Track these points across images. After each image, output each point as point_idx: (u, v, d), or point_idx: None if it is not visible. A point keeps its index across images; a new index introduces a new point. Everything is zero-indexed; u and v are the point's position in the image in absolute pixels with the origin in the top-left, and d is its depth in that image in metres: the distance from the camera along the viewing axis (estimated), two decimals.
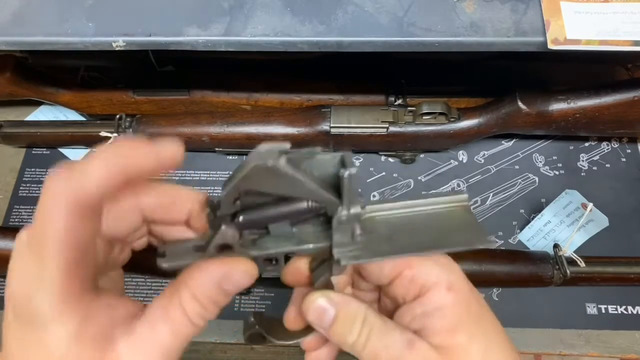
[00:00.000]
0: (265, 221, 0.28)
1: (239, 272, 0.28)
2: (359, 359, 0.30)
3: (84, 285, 0.24)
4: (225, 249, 0.28)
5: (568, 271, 0.58)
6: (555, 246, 0.60)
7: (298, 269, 0.32)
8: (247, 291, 0.64)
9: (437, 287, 0.29)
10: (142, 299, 0.67)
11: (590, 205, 0.60)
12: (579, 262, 0.59)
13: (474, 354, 0.28)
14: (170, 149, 0.24)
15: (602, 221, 0.64)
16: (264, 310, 0.66)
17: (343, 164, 0.27)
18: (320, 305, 0.30)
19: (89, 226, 0.23)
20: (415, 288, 0.30)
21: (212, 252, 0.27)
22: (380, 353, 0.29)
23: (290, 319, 0.35)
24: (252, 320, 0.34)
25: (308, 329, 0.34)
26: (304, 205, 0.27)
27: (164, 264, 0.28)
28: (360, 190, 0.57)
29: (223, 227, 0.27)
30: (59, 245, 0.22)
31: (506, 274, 0.60)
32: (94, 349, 0.24)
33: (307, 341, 0.35)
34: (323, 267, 0.31)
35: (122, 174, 0.23)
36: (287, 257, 0.32)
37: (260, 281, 0.61)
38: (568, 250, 0.60)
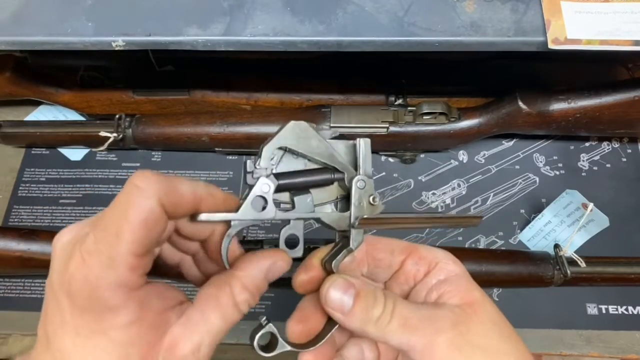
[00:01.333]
0: (294, 185, 0.32)
1: (282, 261, 0.32)
2: (380, 337, 0.30)
3: (143, 274, 0.26)
4: (259, 203, 0.30)
5: (568, 271, 0.58)
6: (556, 246, 0.60)
7: (310, 266, 0.35)
8: None
9: (445, 260, 0.33)
10: None
11: (591, 205, 0.60)
12: (579, 262, 0.58)
13: (489, 307, 0.31)
14: (227, 200, 0.29)
15: (602, 221, 0.63)
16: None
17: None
18: (341, 284, 0.31)
19: (164, 226, 0.26)
20: (424, 264, 0.33)
21: (247, 207, 0.30)
22: (410, 316, 0.30)
23: (294, 329, 0.37)
24: (265, 320, 0.37)
25: (313, 340, 0.36)
26: (328, 175, 0.32)
27: (201, 216, 0.29)
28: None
29: (260, 179, 0.30)
30: (135, 237, 0.24)
31: (506, 274, 0.60)
32: (152, 332, 0.26)
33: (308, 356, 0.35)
34: (336, 258, 0.33)
35: (202, 200, 0.28)
36: (305, 253, 0.36)
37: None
38: (568, 251, 0.59)
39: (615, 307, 0.64)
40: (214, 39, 0.50)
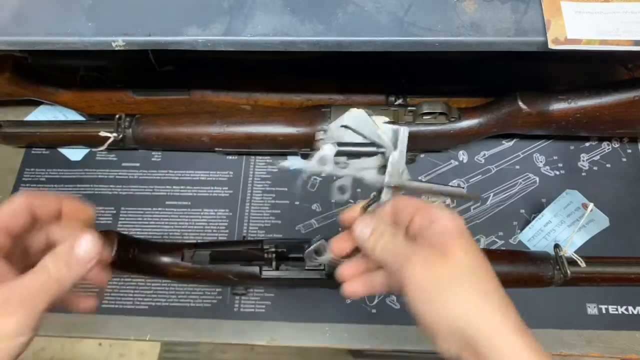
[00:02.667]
0: (349, 152, 0.44)
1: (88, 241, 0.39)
2: (381, 260, 0.40)
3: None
4: (324, 160, 0.42)
5: (569, 271, 0.58)
6: (556, 246, 0.60)
7: (354, 209, 0.44)
8: (245, 291, 0.64)
9: (443, 217, 0.39)
10: (141, 299, 0.67)
11: (591, 206, 0.60)
12: (579, 262, 0.58)
13: (464, 260, 0.37)
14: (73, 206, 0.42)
15: (602, 221, 0.63)
16: (263, 310, 0.66)
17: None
18: (364, 220, 0.42)
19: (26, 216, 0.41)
20: (427, 219, 0.40)
21: (314, 161, 0.42)
22: (398, 247, 0.40)
23: (339, 244, 0.45)
24: (319, 236, 0.49)
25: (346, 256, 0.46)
26: (373, 149, 0.45)
27: (285, 163, 0.43)
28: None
29: (326, 145, 0.42)
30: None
31: (506, 274, 0.60)
32: None
33: (344, 269, 0.45)
34: (370, 206, 0.44)
35: (63, 200, 0.42)
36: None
37: (260, 282, 0.62)
38: (568, 251, 0.60)
39: (615, 307, 0.64)
40: (214, 39, 0.50)
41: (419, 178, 0.74)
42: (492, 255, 0.62)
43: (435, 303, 0.36)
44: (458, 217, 0.40)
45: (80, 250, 0.39)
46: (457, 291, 0.36)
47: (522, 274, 0.60)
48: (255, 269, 0.61)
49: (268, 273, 0.61)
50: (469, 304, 0.35)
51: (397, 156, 0.44)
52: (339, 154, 0.44)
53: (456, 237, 0.38)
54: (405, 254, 0.38)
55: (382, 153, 0.45)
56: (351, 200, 0.54)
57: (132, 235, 0.68)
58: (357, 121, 0.44)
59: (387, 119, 0.46)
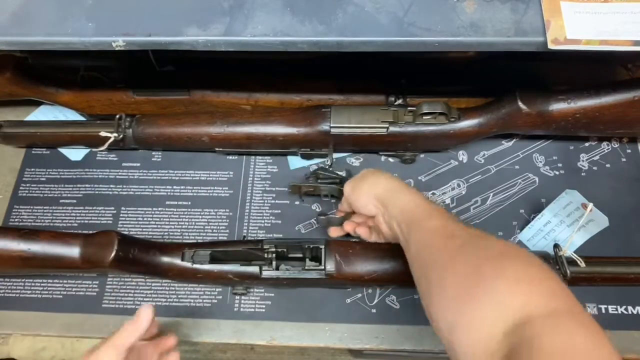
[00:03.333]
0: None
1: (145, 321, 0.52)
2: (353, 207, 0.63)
3: None
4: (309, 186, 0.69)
5: (568, 271, 0.58)
6: (556, 246, 0.60)
7: (337, 230, 0.67)
8: (245, 291, 0.64)
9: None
10: (141, 299, 0.67)
11: (591, 205, 0.60)
12: (579, 262, 0.59)
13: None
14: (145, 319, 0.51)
15: (602, 221, 0.64)
16: (263, 310, 0.66)
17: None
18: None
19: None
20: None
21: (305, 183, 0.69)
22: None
23: (339, 211, 0.68)
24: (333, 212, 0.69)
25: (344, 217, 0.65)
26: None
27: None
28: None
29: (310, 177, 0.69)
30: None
31: None
32: None
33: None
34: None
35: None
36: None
37: (260, 281, 0.62)
38: (568, 250, 0.60)
39: (615, 307, 0.64)
40: (214, 39, 0.50)
41: (419, 178, 0.74)
42: None
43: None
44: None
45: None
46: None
47: None
48: (256, 269, 0.61)
49: (268, 273, 0.61)
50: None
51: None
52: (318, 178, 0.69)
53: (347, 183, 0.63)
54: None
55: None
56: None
57: (132, 235, 0.68)
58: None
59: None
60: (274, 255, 0.60)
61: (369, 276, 0.60)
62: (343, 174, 0.68)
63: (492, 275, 0.39)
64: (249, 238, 0.71)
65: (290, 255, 0.62)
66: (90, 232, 0.67)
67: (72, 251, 0.60)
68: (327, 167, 0.71)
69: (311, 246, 0.61)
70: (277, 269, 0.61)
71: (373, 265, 0.60)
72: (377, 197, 0.58)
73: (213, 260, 0.61)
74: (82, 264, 0.60)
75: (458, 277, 0.41)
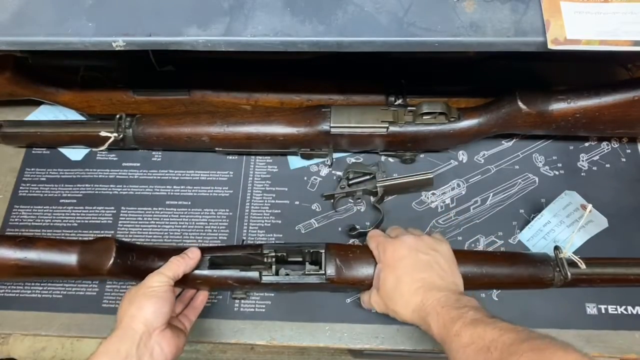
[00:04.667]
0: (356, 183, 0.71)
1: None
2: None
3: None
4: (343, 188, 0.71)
5: (569, 273, 0.58)
6: (556, 248, 0.60)
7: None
8: (245, 295, 0.64)
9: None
10: None
11: (590, 207, 0.60)
12: (579, 264, 0.58)
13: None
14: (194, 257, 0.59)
15: (601, 222, 0.64)
16: (263, 310, 0.66)
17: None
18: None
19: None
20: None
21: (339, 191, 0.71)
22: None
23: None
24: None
25: None
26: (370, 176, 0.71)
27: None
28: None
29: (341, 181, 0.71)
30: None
31: (507, 277, 0.60)
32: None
33: None
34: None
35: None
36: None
37: (260, 286, 0.61)
38: (568, 252, 0.59)
39: (615, 307, 0.64)
40: (214, 39, 0.50)
41: None
42: (493, 257, 0.62)
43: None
44: (386, 252, 0.58)
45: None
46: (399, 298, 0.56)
47: (523, 275, 0.60)
48: (255, 274, 0.60)
49: (268, 278, 0.60)
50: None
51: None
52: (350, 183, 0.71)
53: (382, 271, 0.58)
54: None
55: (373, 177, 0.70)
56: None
57: (130, 240, 0.68)
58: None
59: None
60: (273, 259, 0.60)
61: (369, 280, 0.59)
62: (374, 168, 0.71)
63: None
64: (249, 240, 0.71)
65: (290, 259, 0.61)
66: (88, 238, 0.68)
67: (70, 259, 0.59)
68: (358, 163, 0.74)
69: (311, 250, 0.61)
70: (276, 273, 0.61)
71: (374, 269, 0.60)
72: (411, 320, 0.54)
73: (212, 265, 0.61)
74: (80, 271, 0.60)
75: None
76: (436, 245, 0.58)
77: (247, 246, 0.63)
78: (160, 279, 0.54)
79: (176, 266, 0.57)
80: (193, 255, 0.59)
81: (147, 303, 0.52)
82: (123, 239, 0.62)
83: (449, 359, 0.49)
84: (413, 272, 0.55)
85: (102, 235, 0.68)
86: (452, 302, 0.51)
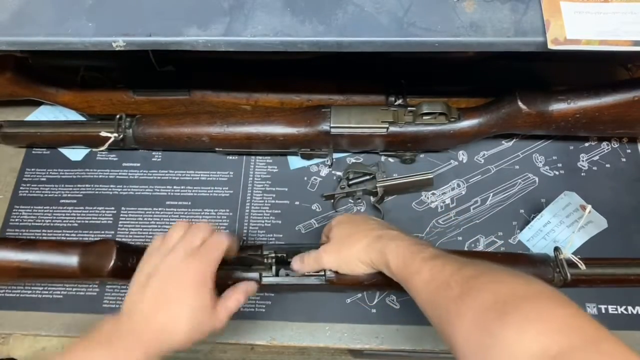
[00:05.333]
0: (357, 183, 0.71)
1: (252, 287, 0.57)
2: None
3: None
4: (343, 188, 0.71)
5: (569, 274, 0.58)
6: (556, 249, 0.60)
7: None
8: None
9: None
10: None
11: (589, 207, 0.60)
12: (579, 265, 0.58)
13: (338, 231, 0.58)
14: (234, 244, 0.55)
15: (601, 223, 0.63)
16: (264, 309, 0.66)
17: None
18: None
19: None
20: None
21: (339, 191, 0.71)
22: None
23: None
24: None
25: None
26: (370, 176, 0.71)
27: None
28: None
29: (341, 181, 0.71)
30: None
31: None
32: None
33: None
34: None
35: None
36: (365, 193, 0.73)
37: (260, 288, 0.61)
38: (568, 253, 0.59)
39: (615, 307, 0.64)
40: (214, 39, 0.50)
41: None
42: (493, 258, 0.62)
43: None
44: (337, 217, 0.60)
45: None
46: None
47: None
48: (255, 275, 0.61)
49: (268, 279, 0.61)
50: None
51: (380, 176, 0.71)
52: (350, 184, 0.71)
53: (333, 227, 0.59)
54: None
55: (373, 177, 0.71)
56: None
57: (131, 241, 0.68)
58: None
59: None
60: (273, 260, 0.60)
61: (369, 281, 0.59)
62: (374, 168, 0.71)
63: (497, 326, 0.36)
64: (249, 241, 0.71)
65: (290, 260, 0.62)
66: (88, 238, 0.68)
67: (71, 261, 0.59)
68: (358, 163, 0.75)
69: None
70: (277, 274, 0.61)
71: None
72: (366, 264, 0.54)
73: None
74: (81, 273, 0.59)
75: (464, 335, 0.38)
76: None
77: (247, 247, 0.63)
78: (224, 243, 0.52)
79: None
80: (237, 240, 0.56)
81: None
82: (124, 241, 0.62)
83: (412, 298, 0.47)
84: (368, 219, 0.59)
85: (103, 238, 0.68)
86: (411, 238, 0.52)
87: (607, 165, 0.74)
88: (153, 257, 0.52)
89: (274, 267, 0.60)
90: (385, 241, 0.52)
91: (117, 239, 0.63)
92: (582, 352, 0.32)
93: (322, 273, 0.60)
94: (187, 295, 0.48)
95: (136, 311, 0.48)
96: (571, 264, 0.59)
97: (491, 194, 0.72)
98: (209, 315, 0.50)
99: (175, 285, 0.49)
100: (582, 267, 0.58)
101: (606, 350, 0.32)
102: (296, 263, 0.59)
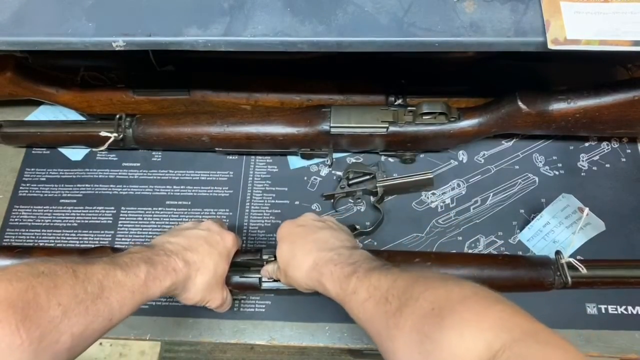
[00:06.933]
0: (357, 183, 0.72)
1: None
2: None
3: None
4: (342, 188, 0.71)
5: (569, 278, 0.58)
6: (557, 253, 0.60)
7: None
8: (245, 296, 0.64)
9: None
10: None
11: (587, 210, 0.60)
12: (580, 268, 0.58)
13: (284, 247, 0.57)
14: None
15: (598, 225, 0.63)
16: (263, 310, 0.66)
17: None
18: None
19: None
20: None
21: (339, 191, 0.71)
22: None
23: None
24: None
25: None
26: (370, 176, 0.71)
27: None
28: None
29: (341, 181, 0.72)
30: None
31: (508, 280, 0.60)
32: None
33: None
34: None
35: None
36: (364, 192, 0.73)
37: (260, 292, 0.61)
38: (568, 256, 0.59)
39: (615, 307, 0.64)
40: (214, 39, 0.50)
41: None
42: (494, 260, 0.61)
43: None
44: (280, 228, 0.59)
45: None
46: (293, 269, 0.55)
47: (523, 279, 0.60)
48: (255, 280, 0.61)
49: (268, 284, 0.61)
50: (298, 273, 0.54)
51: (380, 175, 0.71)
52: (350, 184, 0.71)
53: (278, 246, 0.57)
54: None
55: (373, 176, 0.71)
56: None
57: (128, 246, 0.68)
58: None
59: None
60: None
61: None
62: (374, 168, 0.71)
63: (436, 331, 0.36)
64: (249, 241, 0.71)
65: None
66: (88, 238, 0.68)
67: None
68: (358, 163, 0.75)
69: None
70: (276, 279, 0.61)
71: None
72: (312, 290, 0.54)
73: None
74: None
75: (405, 345, 0.39)
76: (324, 217, 0.62)
77: (246, 251, 0.63)
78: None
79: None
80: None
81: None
82: (120, 247, 0.62)
83: (354, 319, 0.47)
84: (306, 235, 0.56)
85: (99, 244, 0.68)
86: (345, 259, 0.51)
87: (607, 165, 0.74)
88: (186, 224, 0.60)
89: None
90: (320, 269, 0.51)
91: (113, 246, 0.63)
92: (523, 343, 0.33)
93: None
94: (215, 255, 0.56)
95: (168, 246, 0.54)
96: (572, 267, 0.59)
97: (491, 194, 0.72)
98: (221, 287, 0.57)
99: (208, 242, 0.56)
100: (583, 270, 0.58)
101: (544, 339, 0.34)
102: (266, 273, 0.61)
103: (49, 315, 0.38)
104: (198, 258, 0.54)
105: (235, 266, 0.61)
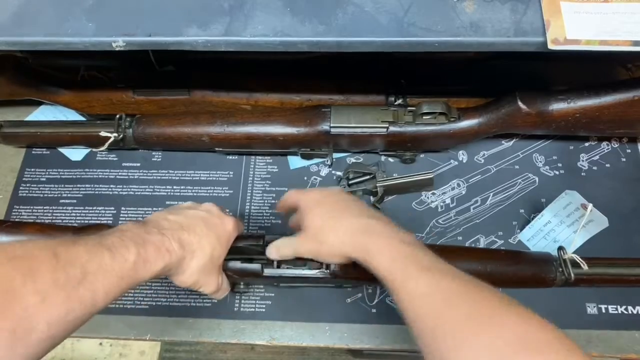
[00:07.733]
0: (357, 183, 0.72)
1: None
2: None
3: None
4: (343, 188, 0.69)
5: (572, 274, 0.58)
6: (560, 249, 0.60)
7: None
8: (247, 289, 0.64)
9: (299, 200, 0.56)
10: (142, 298, 0.67)
11: (590, 206, 0.60)
12: (582, 264, 0.58)
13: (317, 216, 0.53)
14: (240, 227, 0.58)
15: (602, 221, 0.63)
16: (264, 309, 0.66)
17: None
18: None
19: None
20: (296, 206, 0.57)
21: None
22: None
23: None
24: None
25: None
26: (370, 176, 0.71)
27: None
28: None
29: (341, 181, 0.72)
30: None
31: (510, 275, 0.60)
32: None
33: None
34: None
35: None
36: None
37: (262, 279, 0.61)
38: (571, 253, 0.59)
39: (615, 306, 0.64)
40: (214, 39, 0.50)
41: None
42: (497, 255, 0.62)
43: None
44: (305, 195, 0.56)
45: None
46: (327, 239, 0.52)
47: (526, 274, 0.60)
48: (257, 267, 0.60)
49: (270, 271, 0.60)
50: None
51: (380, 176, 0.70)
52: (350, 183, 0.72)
53: (307, 212, 0.54)
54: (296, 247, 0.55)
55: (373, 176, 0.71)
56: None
57: None
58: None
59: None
60: None
61: (372, 275, 0.59)
62: (374, 168, 0.71)
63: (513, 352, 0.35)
64: (251, 233, 0.70)
65: None
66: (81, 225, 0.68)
67: None
68: (358, 163, 0.75)
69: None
70: (278, 266, 0.60)
71: None
72: (346, 258, 0.51)
73: None
74: None
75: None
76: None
77: (248, 237, 0.61)
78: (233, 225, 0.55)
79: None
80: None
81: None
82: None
83: (398, 303, 0.44)
84: (347, 200, 0.54)
85: (97, 223, 0.68)
86: (400, 236, 0.48)
87: (607, 165, 0.74)
88: (186, 204, 0.57)
89: (275, 261, 0.60)
90: (373, 237, 0.48)
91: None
92: None
93: (326, 266, 0.59)
94: (213, 238, 0.53)
95: (163, 223, 0.50)
96: (573, 264, 0.59)
97: (491, 194, 0.72)
98: (216, 271, 0.55)
99: (207, 224, 0.53)
100: (585, 267, 0.58)
101: None
102: (272, 253, 0.57)
103: (23, 302, 0.34)
104: (195, 239, 0.51)
105: (236, 252, 0.59)
